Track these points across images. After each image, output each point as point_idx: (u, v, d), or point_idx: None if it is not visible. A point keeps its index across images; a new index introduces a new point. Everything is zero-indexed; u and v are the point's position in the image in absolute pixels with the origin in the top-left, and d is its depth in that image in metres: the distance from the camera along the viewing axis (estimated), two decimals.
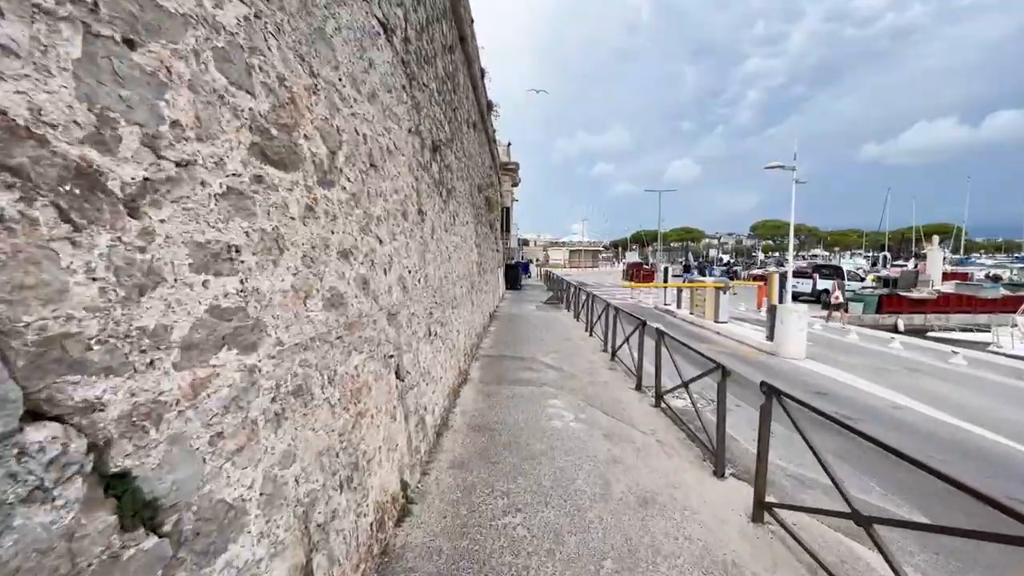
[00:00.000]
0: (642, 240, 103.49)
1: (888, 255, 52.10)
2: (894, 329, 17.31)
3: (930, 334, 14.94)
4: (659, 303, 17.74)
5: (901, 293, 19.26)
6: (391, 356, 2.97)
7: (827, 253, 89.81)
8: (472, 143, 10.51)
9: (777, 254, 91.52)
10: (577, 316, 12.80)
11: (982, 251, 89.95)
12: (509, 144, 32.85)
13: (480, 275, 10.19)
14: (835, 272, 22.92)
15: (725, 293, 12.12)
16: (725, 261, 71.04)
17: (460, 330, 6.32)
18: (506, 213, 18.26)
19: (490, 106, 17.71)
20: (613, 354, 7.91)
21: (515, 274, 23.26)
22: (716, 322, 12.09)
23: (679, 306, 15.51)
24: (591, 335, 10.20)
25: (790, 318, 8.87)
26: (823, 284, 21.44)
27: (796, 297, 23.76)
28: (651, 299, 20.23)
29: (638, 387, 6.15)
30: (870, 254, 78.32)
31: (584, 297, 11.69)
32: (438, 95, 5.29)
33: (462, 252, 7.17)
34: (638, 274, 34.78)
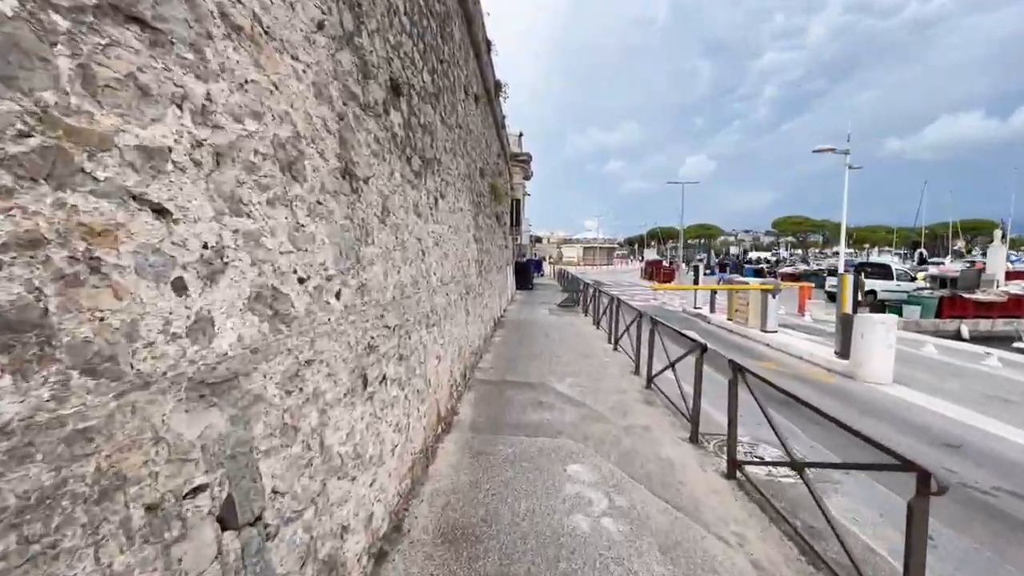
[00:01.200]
0: (658, 237, 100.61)
1: (924, 252, 48.98)
2: (957, 336, 15.08)
3: (1018, 344, 12.73)
4: (687, 306, 15.79)
5: (964, 295, 16.95)
6: (197, 489, 1.24)
7: (851, 251, 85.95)
8: (474, 118, 8.79)
9: (800, 251, 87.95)
10: (597, 323, 10.98)
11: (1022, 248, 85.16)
12: (521, 134, 31.01)
13: (481, 275, 8.48)
14: (882, 271, 20.62)
15: (775, 297, 10.17)
16: (757, 259, 67.47)
17: (444, 354, 4.59)
18: (516, 206, 16.48)
19: (498, 86, 15.97)
20: (649, 381, 6.11)
21: (526, 273, 21.49)
22: (764, 331, 10.17)
23: (712, 310, 13.58)
24: (616, 348, 8.40)
25: (873, 333, 6.92)
26: (871, 284, 19.18)
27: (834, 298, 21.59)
28: (677, 301, 18.26)
29: (694, 438, 4.34)
30: (902, 251, 74.59)
31: (607, 301, 9.87)
32: (407, 17, 3.56)
33: (451, 246, 5.45)
34: (659, 273, 32.67)
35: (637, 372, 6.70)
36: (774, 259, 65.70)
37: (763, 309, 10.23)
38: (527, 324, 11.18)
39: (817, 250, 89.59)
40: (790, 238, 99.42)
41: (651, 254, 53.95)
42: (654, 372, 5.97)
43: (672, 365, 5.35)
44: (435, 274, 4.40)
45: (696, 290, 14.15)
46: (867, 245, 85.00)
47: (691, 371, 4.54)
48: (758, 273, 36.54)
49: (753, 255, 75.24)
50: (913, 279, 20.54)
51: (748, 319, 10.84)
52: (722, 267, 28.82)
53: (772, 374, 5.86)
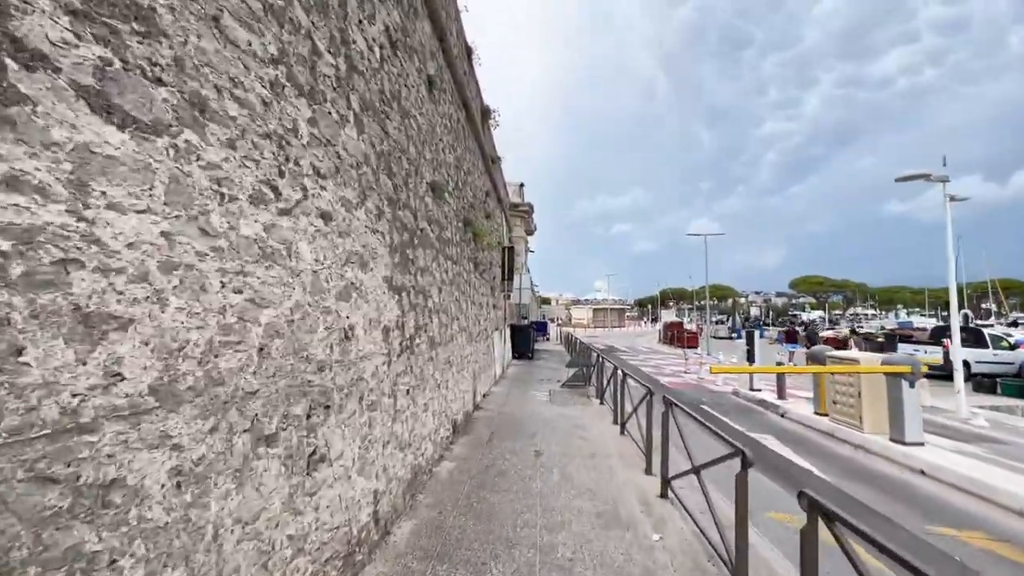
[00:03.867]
0: (670, 298, 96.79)
1: (969, 313, 44.35)
2: None
3: None
4: (738, 386, 11.74)
5: None
6: None
7: (870, 312, 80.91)
8: (435, 115, 5.60)
9: (821, 312, 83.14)
10: (621, 422, 7.00)
11: None
12: (522, 185, 28.57)
13: (432, 348, 4.82)
14: (974, 336, 16.47)
15: (914, 386, 6.21)
16: (801, 320, 62.01)
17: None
18: (509, 256, 13.06)
19: (486, 114, 13.26)
20: None
21: (525, 338, 17.66)
22: (899, 443, 6.12)
23: (781, 394, 9.54)
24: (665, 492, 4.41)
25: None
26: (965, 354, 14.98)
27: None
28: (718, 376, 14.17)
29: None
30: (934, 313, 69.63)
31: (640, 393, 6.02)
32: None
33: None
34: (680, 336, 28.55)
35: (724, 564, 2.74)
36: (805, 320, 60.43)
37: (895, 405, 6.24)
38: (513, 424, 7.24)
39: (839, 312, 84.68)
40: (809, 299, 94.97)
41: (669, 315, 49.77)
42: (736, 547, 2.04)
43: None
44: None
45: (781, 372, 9.98)
46: (900, 306, 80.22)
47: None
48: (789, 337, 32.21)
49: (808, 316, 70.28)
50: (1014, 347, 16.29)
51: (863, 419, 6.81)
52: (790, 336, 22.03)
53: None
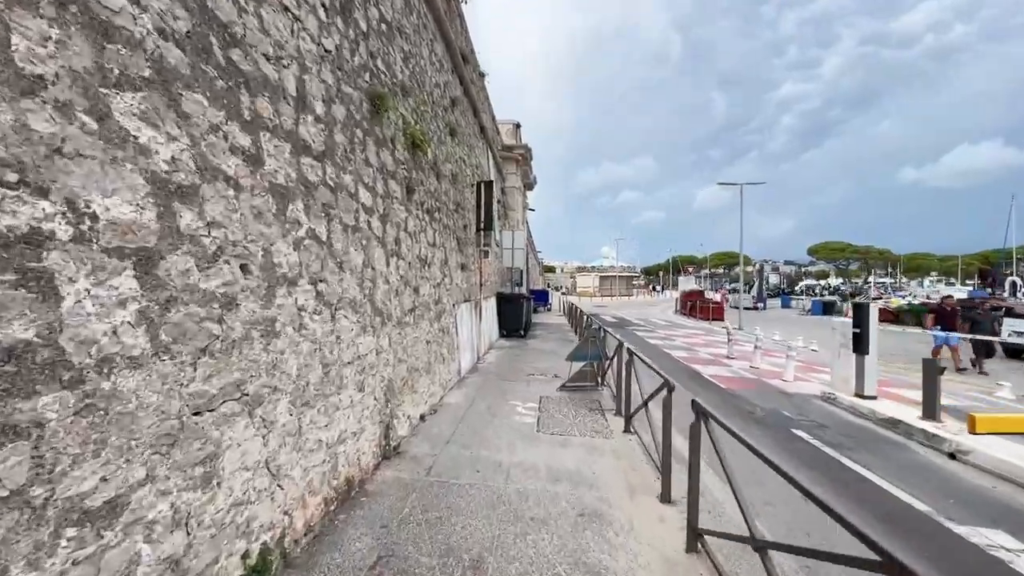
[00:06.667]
0: (679, 266, 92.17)
1: (1018, 280, 39.69)
2: None
3: None
4: (826, 387, 7.84)
5: None
6: None
7: (890, 280, 75.89)
8: None
9: (840, 280, 78.49)
10: (668, 489, 3.14)
11: None
12: (518, 125, 23.97)
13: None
14: None
15: None
16: (809, 288, 56.51)
17: None
18: (487, 193, 9.01)
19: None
20: None
21: (517, 310, 13.76)
22: None
23: (931, 414, 5.63)
24: None
25: None
26: None
27: (1020, 353, 13.25)
28: (758, 360, 10.30)
29: None
30: (971, 281, 64.84)
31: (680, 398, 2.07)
32: None
33: None
34: (703, 307, 24.57)
35: None
36: (840, 289, 55.47)
37: None
38: (436, 522, 3.42)
39: (861, 280, 79.78)
40: (820, 266, 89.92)
41: (687, 282, 45.46)
42: None
43: None
44: None
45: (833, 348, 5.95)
46: (933, 274, 75.26)
47: None
48: (827, 309, 28.04)
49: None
50: None
51: None
52: (942, 318, 9.48)
53: None
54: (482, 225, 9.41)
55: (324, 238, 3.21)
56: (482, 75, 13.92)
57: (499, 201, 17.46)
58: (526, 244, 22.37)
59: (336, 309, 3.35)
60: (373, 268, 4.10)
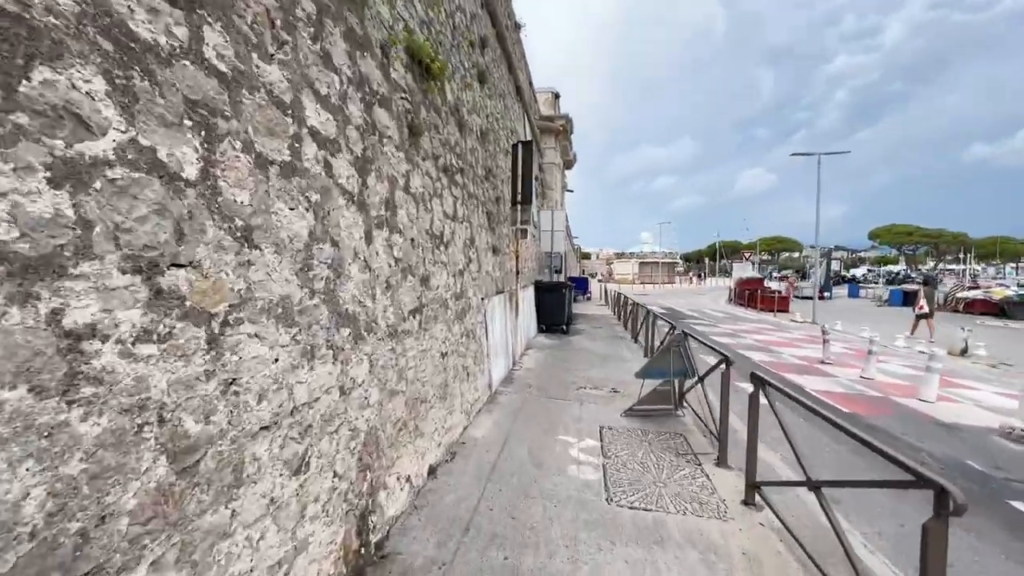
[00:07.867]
0: (722, 252, 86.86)
1: None
2: None
3: None
4: (1010, 417, 5.60)
5: None
6: None
7: (960, 266, 67.99)
8: None
9: (908, 267, 71.48)
10: None
11: None
12: (557, 96, 21.72)
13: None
14: None
15: None
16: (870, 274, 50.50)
17: None
18: (526, 155, 7.09)
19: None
20: None
21: (558, 301, 11.84)
22: None
23: None
24: None
25: None
26: None
27: None
28: (867, 362, 8.00)
29: None
30: None
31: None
32: None
33: None
34: (764, 297, 21.83)
35: None
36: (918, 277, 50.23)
37: None
38: None
39: (929, 266, 72.37)
40: (894, 251, 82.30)
41: (743, 269, 41.83)
42: None
43: None
44: None
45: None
46: (1010, 259, 67.50)
47: None
48: (909, 299, 24.45)
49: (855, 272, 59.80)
50: None
51: None
52: None
53: None
54: (519, 198, 7.53)
55: (178, 170, 1.44)
56: (518, 26, 11.85)
57: (537, 178, 15.50)
58: (566, 227, 20.23)
59: (226, 323, 1.60)
60: (335, 243, 2.34)
